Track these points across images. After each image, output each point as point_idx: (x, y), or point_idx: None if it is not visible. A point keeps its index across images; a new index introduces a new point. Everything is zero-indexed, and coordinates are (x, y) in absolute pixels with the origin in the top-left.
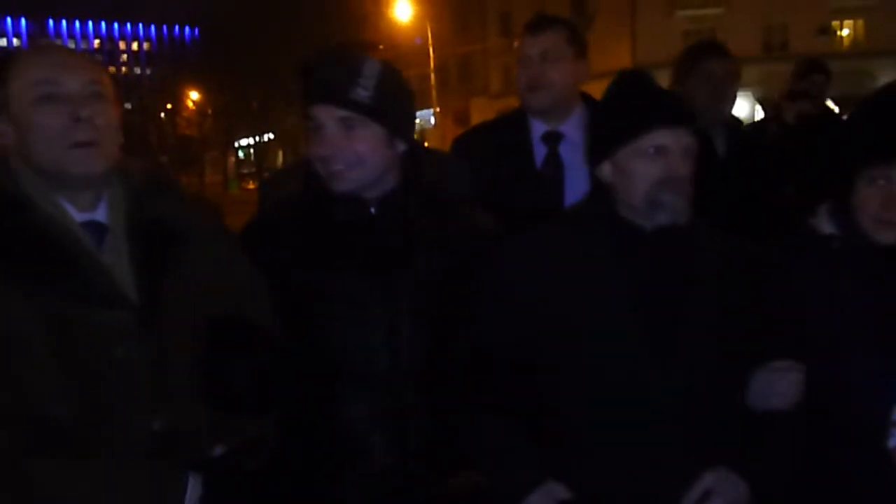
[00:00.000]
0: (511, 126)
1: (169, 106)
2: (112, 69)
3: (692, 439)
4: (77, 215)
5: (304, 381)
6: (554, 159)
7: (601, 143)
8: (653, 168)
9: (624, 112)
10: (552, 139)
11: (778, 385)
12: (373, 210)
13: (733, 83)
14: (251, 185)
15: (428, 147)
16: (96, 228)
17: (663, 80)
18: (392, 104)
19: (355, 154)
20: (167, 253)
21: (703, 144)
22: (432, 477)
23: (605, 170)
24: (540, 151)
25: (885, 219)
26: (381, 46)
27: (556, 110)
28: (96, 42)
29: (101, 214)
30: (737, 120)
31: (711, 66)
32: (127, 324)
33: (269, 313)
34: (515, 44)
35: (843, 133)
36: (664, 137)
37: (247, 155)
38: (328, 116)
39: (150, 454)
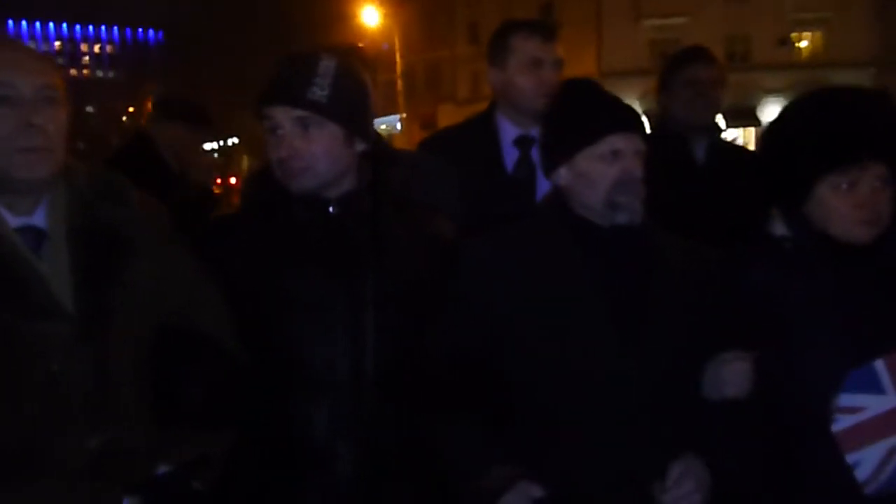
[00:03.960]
0: (479, 129)
1: (131, 109)
2: (73, 72)
3: (661, 427)
4: (12, 220)
5: (260, 391)
6: (526, 162)
7: (560, 149)
8: (610, 170)
9: (582, 119)
10: (524, 143)
11: (725, 374)
12: (332, 210)
13: (717, 89)
14: (217, 191)
15: (404, 149)
16: (34, 234)
17: (630, 87)
18: (349, 103)
19: (312, 154)
20: (113, 260)
21: (680, 150)
22: (399, 485)
23: (562, 174)
24: (511, 155)
25: (862, 219)
26: (361, 45)
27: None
28: (57, 44)
29: (39, 219)
30: (718, 127)
31: (694, 71)
32: (63, 336)
33: (221, 322)
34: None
35: (790, 144)
36: (620, 142)
37: None
38: (284, 117)
39: (86, 474)
